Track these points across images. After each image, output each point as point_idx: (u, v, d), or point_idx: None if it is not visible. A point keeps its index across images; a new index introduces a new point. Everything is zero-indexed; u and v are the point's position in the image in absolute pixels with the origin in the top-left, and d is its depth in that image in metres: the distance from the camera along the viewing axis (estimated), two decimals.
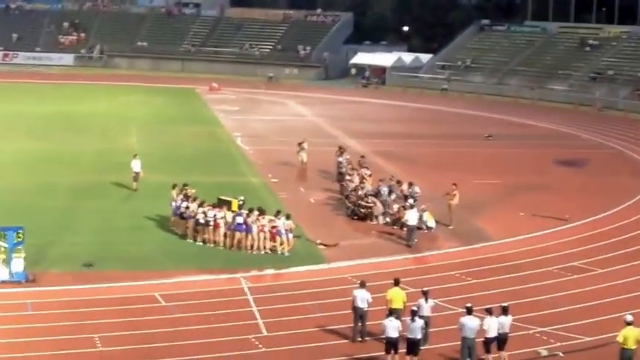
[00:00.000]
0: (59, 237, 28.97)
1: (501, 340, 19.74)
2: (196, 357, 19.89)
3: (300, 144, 42.35)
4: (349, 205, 33.79)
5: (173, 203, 30.48)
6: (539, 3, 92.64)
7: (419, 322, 19.47)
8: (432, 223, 31.66)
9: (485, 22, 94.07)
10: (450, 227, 32.16)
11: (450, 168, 43.00)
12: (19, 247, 24.59)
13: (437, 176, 38.84)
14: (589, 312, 23.53)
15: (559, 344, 21.24)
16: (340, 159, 39.45)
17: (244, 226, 28.27)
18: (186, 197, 30.11)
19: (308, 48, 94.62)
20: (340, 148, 41.49)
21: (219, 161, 44.49)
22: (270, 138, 52.43)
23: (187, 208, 29.44)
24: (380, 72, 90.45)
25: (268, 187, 38.31)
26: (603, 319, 22.76)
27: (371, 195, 33.59)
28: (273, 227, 28.29)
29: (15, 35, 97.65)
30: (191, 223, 29.19)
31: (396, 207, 32.74)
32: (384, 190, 33.98)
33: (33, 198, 34.46)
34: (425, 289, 21.23)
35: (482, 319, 19.60)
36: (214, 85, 77.59)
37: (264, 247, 28.26)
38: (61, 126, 53.57)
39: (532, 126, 61.85)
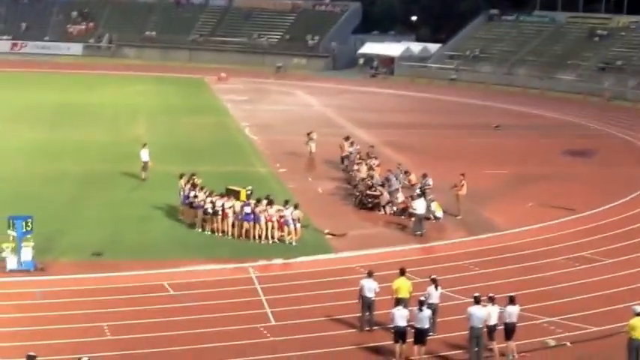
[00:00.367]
0: (68, 226, 29.10)
1: (509, 330, 19.79)
2: (204, 346, 19.99)
3: (308, 134, 42.39)
4: (357, 194, 33.80)
5: (182, 193, 30.57)
6: None
7: (426, 312, 19.52)
8: (439, 213, 31.68)
9: (494, 11, 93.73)
10: (458, 217, 32.17)
11: (458, 158, 42.96)
12: (28, 236, 24.71)
13: (445, 166, 38.81)
14: (597, 302, 23.52)
15: (567, 334, 21.25)
16: (350, 149, 39.49)
17: (252, 216, 28.34)
18: (194, 186, 30.18)
19: (316, 38, 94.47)
20: (348, 137, 41.51)
21: (227, 151, 44.54)
22: (279, 128, 52.45)
23: (195, 197, 29.52)
24: (388, 62, 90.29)
25: (276, 177, 38.35)
26: (611, 309, 22.76)
27: (379, 185, 33.59)
28: (281, 217, 28.35)
29: (24, 25, 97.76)
30: (200, 212, 29.28)
31: (400, 196, 32.75)
32: (393, 179, 34.05)
33: (42, 187, 34.60)
34: (434, 276, 21.28)
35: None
36: (222, 74, 77.59)
37: (272, 237, 28.32)
38: (70, 115, 53.69)
39: (540, 116, 61.70)
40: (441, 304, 21.16)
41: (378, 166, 36.38)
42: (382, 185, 33.59)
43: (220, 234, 28.78)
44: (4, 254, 24.61)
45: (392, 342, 19.72)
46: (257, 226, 28.31)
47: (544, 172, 41.09)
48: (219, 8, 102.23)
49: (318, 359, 19.49)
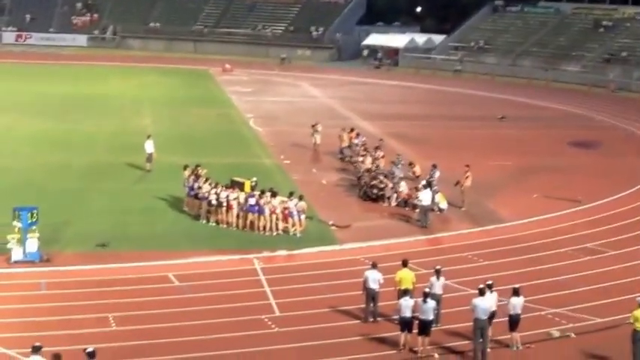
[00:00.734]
0: (73, 217, 29.15)
1: (513, 322, 19.82)
2: (209, 337, 20.05)
3: (313, 126, 42.38)
4: (362, 185, 33.81)
5: (186, 184, 30.61)
6: None
7: (431, 303, 19.55)
8: (444, 204, 31.67)
9: (499, 2, 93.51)
10: (462, 209, 32.16)
11: (463, 149, 42.93)
12: (34, 227, 24.78)
13: (449, 158, 38.75)
14: (601, 293, 23.53)
15: (571, 325, 21.28)
16: (355, 140, 39.51)
17: (257, 208, 28.37)
18: (197, 177, 30.22)
19: (321, 29, 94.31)
20: (352, 129, 41.51)
21: (232, 142, 44.55)
22: (283, 119, 52.43)
23: (200, 188, 29.56)
24: (392, 53, 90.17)
25: (281, 169, 38.36)
26: (615, 300, 22.78)
27: (384, 176, 33.57)
28: (285, 208, 28.37)
29: (28, 16, 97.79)
30: (204, 204, 29.32)
31: (403, 185, 32.75)
32: (396, 170, 34.10)
33: (47, 178, 34.67)
34: (438, 267, 21.30)
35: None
36: (227, 66, 77.56)
37: (277, 229, 28.34)
38: (75, 107, 53.69)
39: (545, 107, 61.60)
40: (445, 296, 21.21)
41: (382, 157, 36.38)
42: (386, 176, 33.58)
43: (225, 225, 28.82)
44: (9, 245, 24.68)
45: (396, 333, 19.80)
46: (261, 218, 28.34)
47: (549, 164, 41.05)
48: None
49: (322, 350, 19.53)
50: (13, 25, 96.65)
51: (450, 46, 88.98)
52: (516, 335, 19.88)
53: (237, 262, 25.72)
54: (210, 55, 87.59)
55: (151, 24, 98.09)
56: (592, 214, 32.09)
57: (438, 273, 21.05)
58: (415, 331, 19.57)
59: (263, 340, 19.95)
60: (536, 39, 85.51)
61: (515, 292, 19.99)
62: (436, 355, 19.51)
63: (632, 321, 18.90)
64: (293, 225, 28.37)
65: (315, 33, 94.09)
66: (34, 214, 24.81)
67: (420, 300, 19.57)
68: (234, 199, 28.76)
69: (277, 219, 28.33)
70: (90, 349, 15.91)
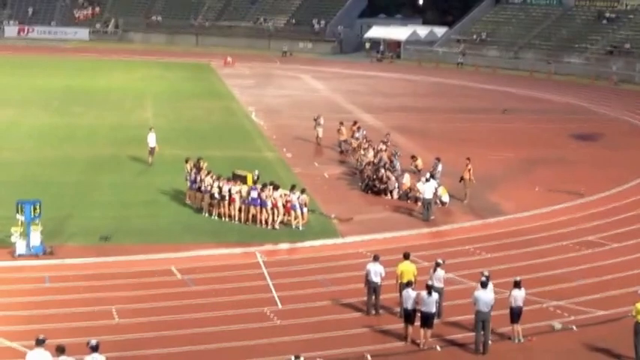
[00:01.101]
0: (76, 210, 29.22)
1: (515, 314, 19.87)
2: (211, 329, 20.11)
3: (315, 119, 42.37)
4: (365, 179, 33.81)
5: (188, 177, 30.65)
6: None
7: (434, 296, 19.61)
8: (446, 197, 31.68)
9: None
10: (464, 202, 32.17)
11: (465, 142, 42.94)
12: (37, 221, 24.83)
13: (452, 150, 38.77)
14: (603, 286, 23.55)
15: (573, 318, 21.31)
16: (357, 134, 39.51)
17: (259, 201, 28.41)
18: (198, 170, 30.26)
19: (322, 22, 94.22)
20: (355, 122, 41.51)
21: (234, 136, 44.57)
22: (285, 113, 52.43)
23: (202, 181, 29.60)
24: (395, 46, 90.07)
25: (283, 162, 38.39)
26: (617, 293, 22.80)
27: (386, 168, 33.59)
28: (287, 202, 28.40)
29: (30, 10, 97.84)
30: (207, 197, 29.36)
31: (407, 179, 32.77)
32: (397, 163, 34.11)
33: (50, 171, 34.74)
34: (439, 260, 21.34)
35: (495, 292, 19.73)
36: (229, 59, 77.55)
37: (275, 222, 28.27)
38: (77, 100, 53.74)
39: (548, 100, 61.53)
40: (447, 288, 21.24)
41: (385, 150, 36.38)
42: (388, 169, 33.58)
43: (227, 218, 28.87)
44: (13, 238, 24.75)
45: (397, 326, 19.89)
46: (264, 211, 28.38)
47: (551, 156, 41.04)
48: None
49: (325, 343, 19.58)
50: (15, 18, 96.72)
51: (453, 39, 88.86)
52: (518, 327, 19.92)
53: (240, 255, 25.77)
54: (212, 49, 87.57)
55: (153, 17, 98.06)
56: (594, 207, 32.09)
57: (437, 265, 21.09)
58: (417, 323, 19.63)
59: (265, 333, 20.00)
60: (538, 31, 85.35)
61: (517, 285, 20.03)
62: (438, 348, 19.57)
63: (634, 313, 18.93)
64: (295, 218, 28.40)
65: (317, 26, 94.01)
66: (37, 208, 24.86)
67: (423, 292, 19.63)
68: (237, 192, 28.80)
69: (277, 212, 28.31)
70: (93, 342, 15.97)
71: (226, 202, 28.82)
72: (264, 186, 28.89)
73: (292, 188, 29.01)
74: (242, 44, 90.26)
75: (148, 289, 22.56)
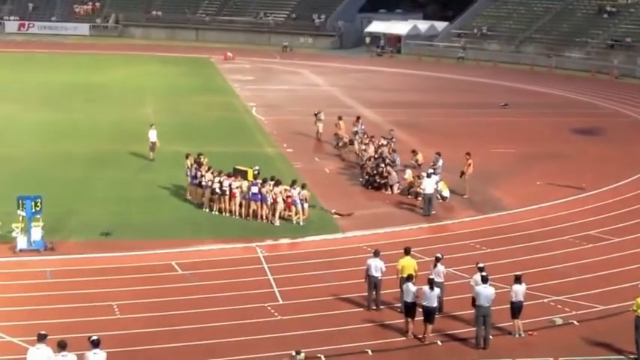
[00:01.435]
0: (77, 206, 29.24)
1: (516, 309, 19.87)
2: (212, 325, 20.13)
3: (316, 114, 42.32)
4: (366, 175, 33.80)
5: (188, 173, 30.65)
6: None
7: (436, 291, 19.62)
8: (446, 192, 31.67)
9: None
10: (465, 197, 32.17)
11: (465, 137, 42.89)
12: (38, 216, 24.87)
13: (453, 145, 38.70)
14: (604, 281, 23.56)
15: (574, 313, 21.32)
16: (356, 129, 39.47)
17: (259, 196, 28.41)
18: (199, 165, 30.25)
19: (323, 17, 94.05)
20: (358, 118, 41.43)
21: (234, 131, 44.55)
22: (285, 108, 52.40)
23: (203, 176, 29.60)
24: (395, 40, 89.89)
25: (283, 157, 38.38)
26: (618, 287, 22.80)
27: (387, 163, 33.58)
28: (288, 197, 28.41)
29: (30, 5, 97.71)
30: (207, 192, 29.36)
31: (409, 174, 32.75)
32: (398, 158, 34.11)
33: (50, 167, 34.75)
34: (438, 255, 21.35)
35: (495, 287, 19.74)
36: (229, 54, 77.49)
37: (280, 217, 28.31)
38: (78, 96, 53.72)
39: (549, 94, 61.45)
40: (447, 283, 21.25)
41: (385, 145, 36.34)
42: (389, 164, 33.57)
43: (228, 214, 28.88)
44: (14, 234, 24.81)
45: (398, 321, 19.90)
46: (264, 206, 28.39)
47: (552, 151, 40.99)
48: None
49: (325, 338, 19.60)
50: (16, 14, 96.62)
51: (453, 33, 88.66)
52: (519, 322, 19.93)
53: (241, 250, 25.79)
54: (212, 44, 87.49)
55: (153, 12, 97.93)
56: (595, 201, 32.07)
57: (437, 260, 21.08)
58: (418, 318, 19.64)
59: (266, 328, 20.02)
60: (539, 25, 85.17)
61: (518, 280, 20.03)
62: (439, 342, 19.59)
63: (634, 308, 18.91)
64: (296, 213, 28.40)
65: (317, 21, 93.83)
66: (38, 203, 24.89)
67: (425, 287, 19.64)
68: (237, 187, 28.81)
69: (276, 208, 28.29)
70: (94, 338, 16.00)
71: (227, 198, 28.84)
72: (264, 181, 28.89)
73: (293, 183, 29.00)
74: (242, 39, 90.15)
75: (149, 284, 22.58)
